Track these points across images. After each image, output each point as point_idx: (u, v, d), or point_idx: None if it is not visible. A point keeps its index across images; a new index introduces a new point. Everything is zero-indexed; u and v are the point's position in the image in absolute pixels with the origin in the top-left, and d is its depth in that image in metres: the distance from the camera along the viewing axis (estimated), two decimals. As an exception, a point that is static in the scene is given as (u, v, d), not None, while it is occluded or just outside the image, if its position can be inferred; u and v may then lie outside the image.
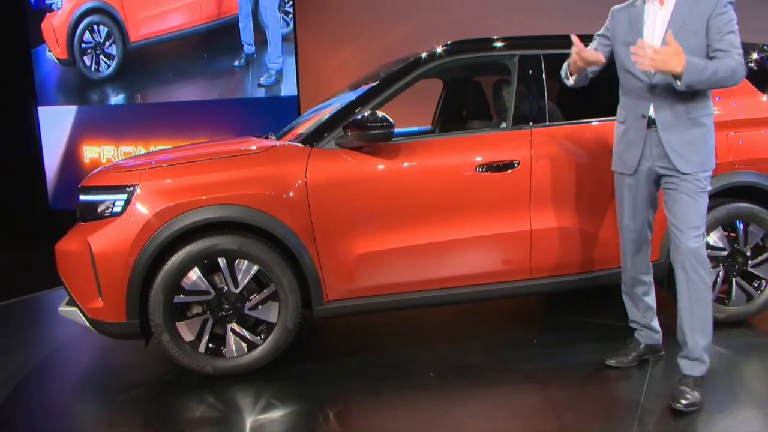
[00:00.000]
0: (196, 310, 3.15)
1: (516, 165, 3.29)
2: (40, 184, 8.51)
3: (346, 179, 3.20)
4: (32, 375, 3.48)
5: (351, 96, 3.51)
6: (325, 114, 3.45)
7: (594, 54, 2.80)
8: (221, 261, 3.10)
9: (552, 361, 3.30)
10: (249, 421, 2.85)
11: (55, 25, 7.58)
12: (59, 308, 3.30)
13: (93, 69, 7.65)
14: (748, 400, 2.85)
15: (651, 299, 3.06)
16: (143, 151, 7.36)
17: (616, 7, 2.91)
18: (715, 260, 3.49)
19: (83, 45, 7.57)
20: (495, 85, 3.94)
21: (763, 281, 3.56)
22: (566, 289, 3.51)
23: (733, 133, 3.50)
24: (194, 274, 3.09)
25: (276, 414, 2.92)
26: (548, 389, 3.07)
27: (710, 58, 2.60)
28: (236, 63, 6.83)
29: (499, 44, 3.55)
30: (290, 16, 6.51)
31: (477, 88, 4.29)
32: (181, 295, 3.10)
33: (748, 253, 3.52)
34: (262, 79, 6.79)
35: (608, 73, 2.96)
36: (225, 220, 3.08)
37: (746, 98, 3.61)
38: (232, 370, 3.17)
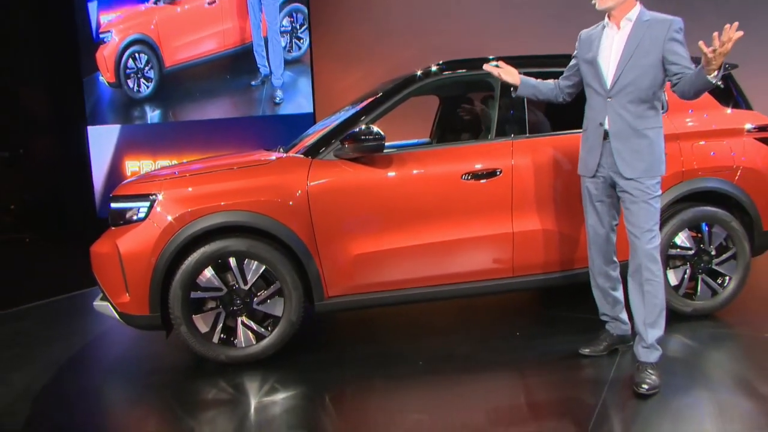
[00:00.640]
0: (211, 304, 3.17)
1: (498, 173, 3.29)
2: (89, 195, 8.72)
3: (343, 187, 3.21)
4: (72, 361, 3.55)
5: (350, 111, 3.53)
6: (327, 128, 3.47)
7: (508, 77, 3.06)
8: (232, 261, 3.12)
9: (532, 351, 3.30)
10: (254, 403, 2.90)
11: (105, 54, 7.97)
12: (94, 303, 3.35)
13: (135, 90, 7.98)
14: (703, 384, 2.83)
15: (618, 293, 3.07)
16: (176, 163, 7.58)
17: (583, 31, 2.95)
18: (682, 259, 3.50)
19: (127, 70, 7.93)
20: (481, 100, 3.96)
21: (726, 278, 3.53)
22: (546, 285, 3.50)
23: (699, 143, 3.50)
24: (208, 272, 3.11)
25: (279, 397, 2.95)
26: (526, 376, 3.08)
27: (673, 75, 2.64)
28: (253, 83, 7.07)
29: (482, 64, 3.56)
30: (302, 41, 6.69)
31: (468, 103, 4.28)
32: (198, 291, 3.12)
33: (713, 252, 3.50)
34: (276, 98, 6.96)
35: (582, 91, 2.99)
36: (235, 225, 3.10)
37: (711, 111, 3.61)
38: (242, 359, 3.19)
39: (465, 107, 4.12)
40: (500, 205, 3.32)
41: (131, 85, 7.96)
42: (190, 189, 3.19)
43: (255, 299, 3.18)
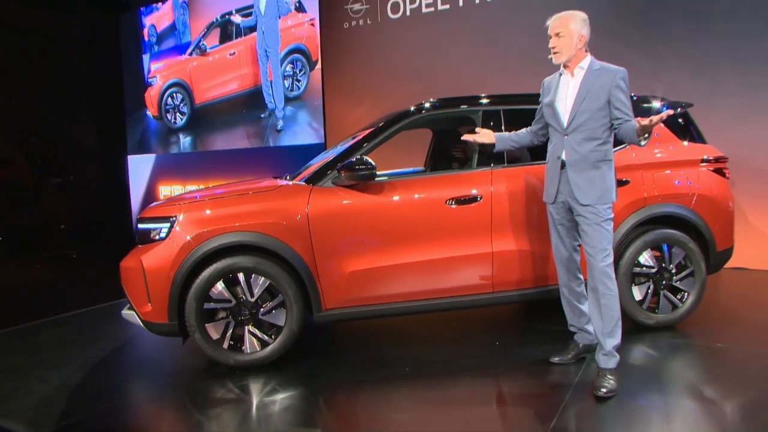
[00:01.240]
0: (221, 314, 3.23)
1: (479, 199, 3.35)
2: (127, 216, 8.99)
3: (339, 211, 3.26)
4: (103, 361, 3.65)
5: (348, 143, 3.61)
6: (327, 159, 3.55)
7: (484, 139, 3.18)
8: (240, 276, 3.19)
9: (508, 359, 3.33)
10: (257, 401, 2.96)
11: (152, 94, 8.75)
12: (122, 312, 3.42)
13: (172, 122, 8.70)
14: (656, 389, 2.86)
15: (584, 306, 3.11)
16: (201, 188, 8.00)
17: (546, 78, 3.05)
18: (646, 276, 3.54)
19: (167, 106, 8.60)
20: (464, 134, 4.05)
21: (685, 293, 3.57)
22: (524, 300, 3.52)
23: (660, 173, 3.56)
24: (220, 285, 3.19)
25: (279, 397, 3.01)
26: (500, 380, 3.12)
27: (615, 119, 2.75)
28: (262, 115, 7.69)
29: (466, 102, 3.64)
30: (301, 83, 7.29)
31: (457, 135, 4.33)
32: (210, 303, 3.19)
33: (673, 270, 3.54)
34: (278, 126, 7.60)
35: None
36: (243, 244, 3.18)
37: (670, 145, 3.67)
38: (248, 363, 3.25)
39: (456, 139, 4.20)
40: (480, 227, 3.37)
41: (169, 118, 8.67)
42: (204, 212, 3.27)
43: (261, 310, 3.25)
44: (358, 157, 3.29)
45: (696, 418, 2.60)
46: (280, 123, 7.50)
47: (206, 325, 3.22)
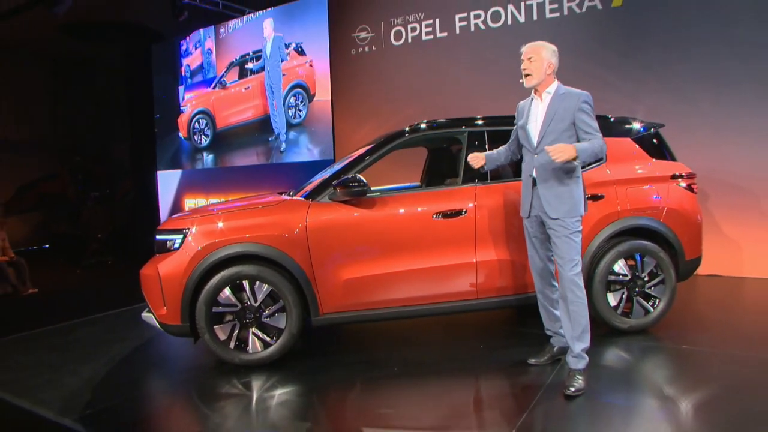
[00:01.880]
0: (228, 317, 3.30)
1: (464, 213, 3.37)
2: (157, 226, 9.24)
3: (335, 224, 3.31)
4: (126, 358, 3.75)
5: (345, 161, 3.64)
6: (325, 176, 3.59)
7: (475, 161, 3.10)
8: (245, 283, 3.26)
9: (489, 360, 3.34)
10: (258, 396, 3.02)
11: (183, 119, 9.45)
12: (142, 314, 3.50)
13: (198, 142, 9.25)
14: (623, 388, 2.87)
15: (558, 311, 3.10)
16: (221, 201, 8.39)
17: (520, 102, 3.09)
18: (620, 284, 3.53)
19: (194, 129, 9.28)
20: (454, 152, 4.10)
21: (657, 299, 3.55)
22: (506, 306, 3.53)
23: (632, 188, 3.56)
24: (227, 291, 3.26)
25: (278, 392, 3.06)
26: (481, 380, 3.14)
27: (582, 139, 2.77)
28: (270, 138, 8.32)
29: (452, 123, 3.67)
30: (302, 112, 7.94)
31: (449, 154, 4.34)
32: (218, 307, 3.26)
33: (645, 278, 3.53)
34: (281, 148, 8.22)
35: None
36: (248, 254, 3.24)
37: (642, 162, 3.66)
38: (252, 362, 3.31)
39: (448, 157, 4.24)
40: (465, 239, 3.39)
41: (196, 139, 9.32)
42: (213, 225, 3.34)
43: (264, 314, 3.31)
44: (352, 175, 3.34)
45: (654, 415, 2.60)
46: (283, 146, 8.19)
47: (215, 327, 3.29)
